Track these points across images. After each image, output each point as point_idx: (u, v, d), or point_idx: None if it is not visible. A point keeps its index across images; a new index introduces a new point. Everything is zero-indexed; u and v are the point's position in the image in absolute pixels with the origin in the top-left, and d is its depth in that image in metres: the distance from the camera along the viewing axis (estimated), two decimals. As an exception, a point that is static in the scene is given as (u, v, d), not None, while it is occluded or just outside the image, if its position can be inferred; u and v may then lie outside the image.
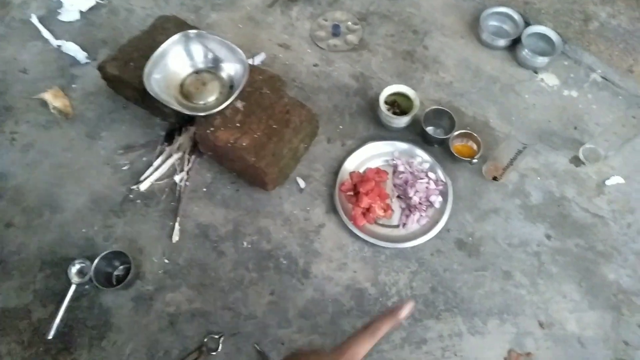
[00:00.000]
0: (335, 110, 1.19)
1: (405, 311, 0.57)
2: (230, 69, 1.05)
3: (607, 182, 1.11)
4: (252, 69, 1.07)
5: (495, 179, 1.08)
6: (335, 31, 1.29)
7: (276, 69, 1.24)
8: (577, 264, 1.02)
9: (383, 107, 1.11)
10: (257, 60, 1.24)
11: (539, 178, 1.11)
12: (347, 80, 1.24)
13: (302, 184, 1.09)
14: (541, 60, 1.22)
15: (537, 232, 1.05)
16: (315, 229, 1.05)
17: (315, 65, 1.26)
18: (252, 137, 0.99)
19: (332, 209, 1.07)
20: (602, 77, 1.24)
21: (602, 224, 1.07)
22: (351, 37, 1.30)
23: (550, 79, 1.24)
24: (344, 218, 1.04)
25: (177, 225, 1.05)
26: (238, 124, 1.00)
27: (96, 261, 0.96)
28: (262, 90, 1.05)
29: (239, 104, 1.02)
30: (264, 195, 1.08)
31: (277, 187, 1.08)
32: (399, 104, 1.16)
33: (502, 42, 1.26)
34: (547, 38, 1.25)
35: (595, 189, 1.10)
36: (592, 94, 1.22)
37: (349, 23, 1.32)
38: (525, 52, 1.22)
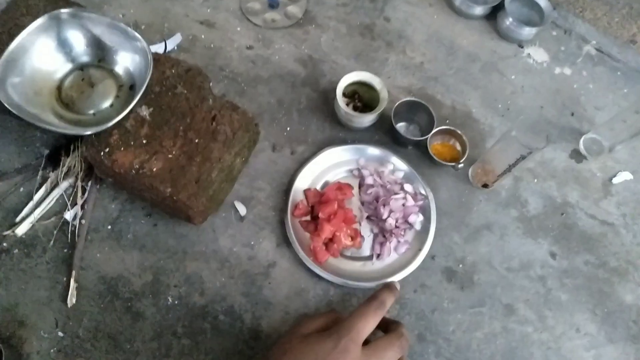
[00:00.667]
0: (279, 107, 0.92)
1: (396, 288, 0.62)
2: (127, 61, 0.76)
3: (614, 180, 0.92)
4: (161, 59, 0.78)
5: (485, 186, 0.87)
6: (272, 1, 1.00)
7: (198, 55, 0.95)
8: (589, 287, 0.83)
9: (341, 102, 0.85)
10: (171, 44, 0.94)
11: (535, 180, 0.90)
12: (292, 66, 0.97)
13: (242, 210, 0.83)
14: (528, 31, 1.00)
15: (540, 250, 0.85)
16: (264, 270, 0.80)
17: (250, 47, 0.98)
18: (165, 158, 0.71)
19: (285, 241, 0.81)
20: (597, 50, 1.04)
21: (613, 233, 0.88)
22: (293, 9, 1.01)
23: (538, 54, 1.02)
24: (301, 253, 0.79)
25: (72, 282, 0.76)
26: (144, 140, 0.72)
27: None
28: (177, 90, 0.76)
29: (145, 112, 0.73)
30: (192, 230, 0.81)
31: (208, 217, 0.81)
32: (360, 96, 0.90)
33: (479, 10, 1.03)
34: (531, 3, 1.02)
35: (601, 189, 0.91)
36: (587, 71, 1.02)
37: (290, -10, 1.04)
38: (509, 22, 0.99)
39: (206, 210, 0.76)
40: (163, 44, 0.92)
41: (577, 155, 0.93)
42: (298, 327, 0.58)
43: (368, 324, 0.53)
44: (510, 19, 0.99)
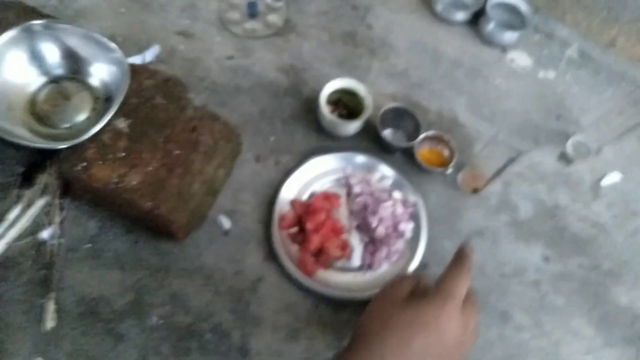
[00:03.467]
0: (262, 117, 0.90)
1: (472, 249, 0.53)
2: (103, 72, 0.73)
3: (603, 182, 0.91)
4: (139, 69, 0.75)
5: (475, 191, 0.85)
6: (252, 11, 0.99)
7: (177, 67, 0.93)
8: (584, 290, 0.82)
9: (325, 109, 0.84)
10: (149, 56, 0.91)
11: (525, 184, 0.89)
12: (274, 76, 0.95)
13: (226, 223, 0.80)
14: (510, 36, 1.00)
15: (533, 254, 0.84)
16: (251, 285, 0.77)
17: (230, 57, 0.96)
18: (144, 171, 0.68)
19: (271, 255, 0.78)
20: (579, 53, 1.04)
21: (604, 235, 0.87)
22: (273, 18, 1.00)
23: (521, 59, 1.02)
24: (289, 266, 0.76)
25: (51, 304, 0.72)
26: (123, 154, 0.69)
27: None
28: (155, 101, 0.73)
29: (122, 124, 0.71)
30: (175, 246, 0.78)
31: (191, 233, 0.78)
32: (345, 104, 0.89)
33: (461, 16, 1.03)
34: (512, 8, 1.03)
35: (590, 191, 0.91)
36: (571, 74, 1.02)
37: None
38: (491, 27, 0.99)
39: (189, 225, 0.73)
40: (141, 56, 0.90)
41: (565, 158, 0.93)
42: (389, 292, 0.54)
43: (465, 285, 0.50)
44: (492, 24, 0.99)
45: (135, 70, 0.74)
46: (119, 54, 0.70)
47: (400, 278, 0.56)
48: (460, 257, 0.52)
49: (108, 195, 0.68)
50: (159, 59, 0.93)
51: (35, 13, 0.79)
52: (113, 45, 0.70)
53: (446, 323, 0.48)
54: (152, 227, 0.75)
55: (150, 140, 0.71)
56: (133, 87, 0.73)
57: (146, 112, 0.73)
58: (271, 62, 0.96)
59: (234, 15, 1.00)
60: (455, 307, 0.48)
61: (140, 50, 0.91)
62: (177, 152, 0.70)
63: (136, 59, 0.90)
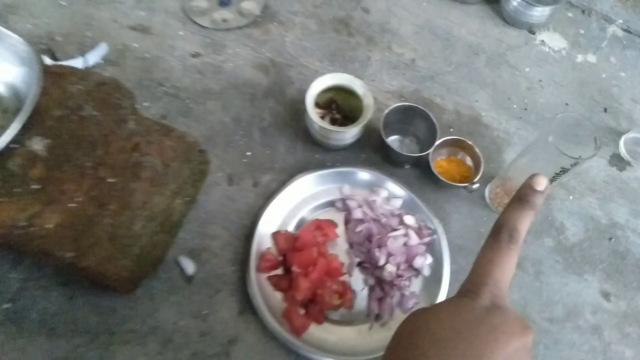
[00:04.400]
0: (236, 127, 0.72)
1: (539, 183, 0.33)
2: (10, 75, 0.55)
3: (669, 190, 0.72)
4: (65, 72, 0.57)
5: (509, 210, 0.66)
6: (222, -3, 0.81)
7: (129, 68, 0.75)
8: (658, 335, 0.63)
9: (313, 114, 0.65)
10: (93, 57, 0.73)
11: (571, 197, 0.71)
12: (251, 74, 0.77)
13: (189, 267, 0.62)
14: (540, 13, 0.82)
15: (588, 289, 0.65)
16: (222, 349, 0.58)
17: (195, 54, 0.78)
18: (65, 208, 0.50)
19: (249, 307, 0.60)
20: (625, 30, 0.85)
21: (678, 259, 0.68)
22: (248, 5, 0.83)
23: (554, 40, 0.84)
24: (271, 321, 0.58)
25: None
26: (37, 186, 0.51)
27: None
28: (84, 112, 0.55)
29: (38, 145, 0.53)
30: (121, 301, 0.60)
31: (141, 282, 0.60)
32: (338, 106, 0.70)
33: (477, -8, 0.84)
34: (540, -20, 0.84)
35: (655, 202, 0.72)
36: (616, 56, 0.84)
37: (243, -16, 0.85)
38: (516, 3, 0.81)
39: (134, 276, 0.55)
40: (82, 58, 0.72)
41: (618, 161, 0.75)
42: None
43: (506, 268, 0.32)
44: (517, 0, 0.80)
45: (57, 72, 0.56)
46: (27, 49, 0.52)
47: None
48: (496, 229, 0.33)
49: (15, 243, 0.50)
50: (106, 60, 0.75)
51: None
52: (16, 36, 0.52)
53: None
54: (88, 278, 0.57)
55: (75, 165, 0.52)
56: (54, 95, 0.55)
57: (72, 128, 0.54)
58: (247, 58, 0.78)
59: (201, 3, 0.83)
60: (499, 300, 0.30)
61: (81, 50, 0.73)
62: (112, 180, 0.52)
63: (76, 62, 0.72)
